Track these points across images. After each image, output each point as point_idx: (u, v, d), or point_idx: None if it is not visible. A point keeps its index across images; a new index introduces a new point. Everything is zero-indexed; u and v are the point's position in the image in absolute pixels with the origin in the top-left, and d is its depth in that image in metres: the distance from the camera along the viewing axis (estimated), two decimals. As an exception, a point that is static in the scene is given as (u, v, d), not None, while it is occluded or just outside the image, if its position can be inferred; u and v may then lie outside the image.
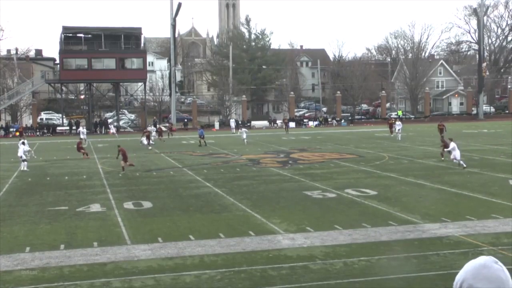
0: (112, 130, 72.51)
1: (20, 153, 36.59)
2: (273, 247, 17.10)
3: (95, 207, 23.79)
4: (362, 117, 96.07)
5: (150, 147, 49.96)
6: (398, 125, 55.32)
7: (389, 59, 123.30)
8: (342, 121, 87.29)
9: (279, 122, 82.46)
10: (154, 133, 57.12)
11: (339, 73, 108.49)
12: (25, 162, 36.29)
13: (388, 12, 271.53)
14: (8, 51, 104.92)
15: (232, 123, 74.99)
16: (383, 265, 15.27)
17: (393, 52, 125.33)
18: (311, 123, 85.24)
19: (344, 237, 17.95)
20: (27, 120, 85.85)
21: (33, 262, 15.91)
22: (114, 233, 19.17)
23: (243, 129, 57.06)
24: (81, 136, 55.14)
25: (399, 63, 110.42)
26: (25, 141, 39.90)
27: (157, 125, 67.51)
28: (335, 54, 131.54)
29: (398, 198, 24.57)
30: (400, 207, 22.50)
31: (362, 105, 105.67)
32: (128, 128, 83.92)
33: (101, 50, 78.04)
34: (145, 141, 51.39)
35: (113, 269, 15.15)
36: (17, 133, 64.37)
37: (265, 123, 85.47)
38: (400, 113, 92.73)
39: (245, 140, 53.05)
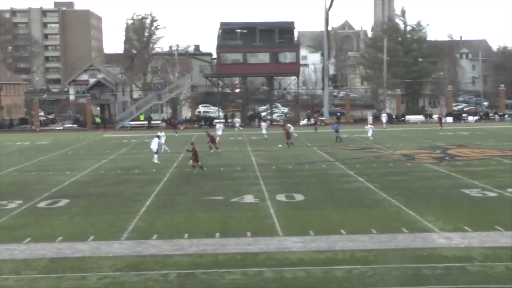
0: (237, 124, 70.74)
1: (154, 146, 37.89)
2: (427, 245, 16.52)
3: (249, 198, 24.41)
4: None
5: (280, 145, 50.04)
6: None
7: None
8: (506, 116, 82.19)
9: (435, 116, 79.51)
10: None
11: (503, 65, 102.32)
12: (157, 155, 37.46)
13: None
14: (170, 47, 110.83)
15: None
16: (550, 271, 14.18)
17: None
18: (470, 118, 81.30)
19: (506, 239, 16.91)
20: (186, 113, 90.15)
21: (191, 248, 16.66)
22: (266, 224, 19.55)
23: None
24: (218, 133, 51.43)
25: None
26: (162, 134, 42.23)
27: (311, 118, 67.93)
28: (498, 44, 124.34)
29: None
30: None
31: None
32: (281, 121, 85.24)
33: (256, 44, 79.87)
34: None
35: (265, 259, 15.45)
36: (183, 127, 67.99)
37: (420, 117, 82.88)
38: None
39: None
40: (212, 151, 42.06)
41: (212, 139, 42.89)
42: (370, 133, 50.86)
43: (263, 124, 59.77)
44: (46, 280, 14.08)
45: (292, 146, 45.63)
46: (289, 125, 59.99)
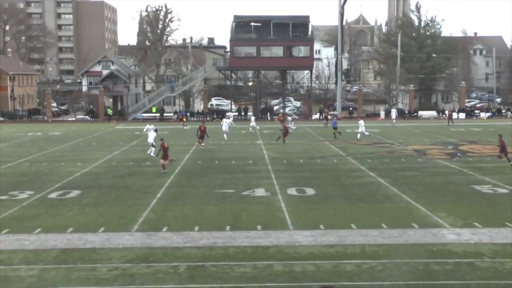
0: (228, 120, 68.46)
1: (150, 139, 37.41)
2: (438, 241, 16.47)
3: (260, 192, 24.42)
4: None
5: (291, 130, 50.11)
6: None
7: None
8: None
9: (448, 112, 79.03)
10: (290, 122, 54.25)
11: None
12: (154, 148, 36.76)
13: None
14: (184, 39, 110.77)
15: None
16: (561, 269, 14.08)
17: None
18: (482, 115, 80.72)
19: (517, 236, 16.81)
20: (198, 106, 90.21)
21: (201, 240, 16.70)
22: (277, 218, 19.56)
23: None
24: (223, 128, 48.66)
25: None
26: (151, 127, 39.83)
27: (323, 113, 67.77)
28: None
29: None
30: None
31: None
32: (294, 115, 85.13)
33: (270, 38, 79.65)
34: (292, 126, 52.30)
35: (275, 253, 15.46)
36: (184, 119, 66.84)
37: (433, 113, 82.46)
38: None
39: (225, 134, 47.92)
40: (202, 145, 41.14)
41: (202, 133, 41.54)
42: (361, 129, 48.36)
43: (289, 118, 59.36)
44: (57, 271, 14.17)
45: (282, 143, 43.53)
46: (289, 118, 59.49)
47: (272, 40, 79.65)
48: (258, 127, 56.00)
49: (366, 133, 48.59)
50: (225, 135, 47.39)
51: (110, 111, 80.00)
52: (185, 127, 58.95)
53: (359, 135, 47.70)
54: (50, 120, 79.92)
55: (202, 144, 41.64)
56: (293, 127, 53.32)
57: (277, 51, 79.74)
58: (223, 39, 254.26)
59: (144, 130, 42.01)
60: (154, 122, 70.68)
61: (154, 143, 36.98)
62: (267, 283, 13.18)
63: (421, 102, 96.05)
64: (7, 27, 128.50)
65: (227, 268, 14.26)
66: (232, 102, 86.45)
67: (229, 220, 19.16)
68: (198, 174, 29.40)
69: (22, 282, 13.40)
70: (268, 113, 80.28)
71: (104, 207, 21.62)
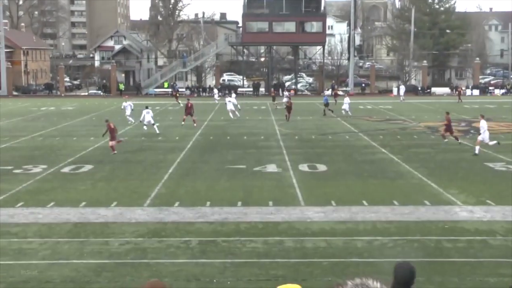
0: (216, 95, 66.03)
1: (147, 118, 36.52)
2: (450, 218, 16.44)
3: (271, 168, 24.44)
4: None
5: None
6: None
7: None
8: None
9: (463, 89, 78.34)
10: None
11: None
12: (155, 125, 36.39)
13: None
14: (196, 14, 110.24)
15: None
16: None
17: None
18: (497, 91, 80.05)
19: (529, 214, 16.74)
20: (210, 81, 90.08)
21: (212, 216, 16.77)
22: (288, 194, 19.58)
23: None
24: (228, 108, 45.89)
25: None
26: (128, 104, 42.06)
27: (335, 88, 67.52)
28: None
29: None
30: None
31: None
32: (306, 91, 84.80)
33: (282, 13, 79.08)
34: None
35: (286, 229, 15.51)
36: (177, 95, 64.52)
37: (446, 90, 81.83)
38: None
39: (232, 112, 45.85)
40: (183, 123, 39.58)
41: (188, 110, 39.63)
42: (345, 106, 47.44)
43: (286, 93, 58.77)
44: (70, 244, 14.31)
45: (286, 121, 42.44)
46: (286, 93, 58.18)
47: (285, 15, 79.09)
48: (239, 106, 49.89)
49: (350, 114, 46.92)
50: (231, 114, 45.28)
51: (122, 86, 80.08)
52: (180, 104, 55.59)
53: (343, 111, 46.97)
54: (63, 94, 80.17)
55: (194, 121, 39.62)
56: (283, 101, 51.17)
57: (289, 26, 79.19)
58: (235, 14, 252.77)
59: (122, 107, 42.49)
60: (166, 98, 70.77)
61: (152, 121, 36.49)
62: (278, 259, 13.23)
63: (435, 79, 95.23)
64: (21, 2, 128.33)
65: (239, 243, 14.33)
66: (244, 78, 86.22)
67: (240, 196, 19.22)
68: (209, 150, 29.45)
69: (37, 255, 13.55)
70: (280, 89, 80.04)
71: (116, 181, 21.74)
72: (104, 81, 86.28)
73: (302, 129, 37.96)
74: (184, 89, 79.43)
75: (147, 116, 36.57)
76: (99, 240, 14.57)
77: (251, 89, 79.93)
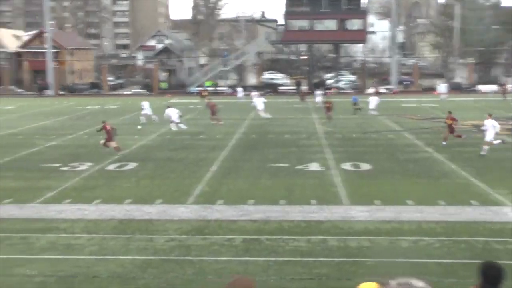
0: (240, 93, 65.86)
1: (173, 116, 36.89)
2: (498, 219, 16.07)
3: (314, 166, 24.31)
4: None
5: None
6: None
7: None
8: None
9: (510, 86, 76.58)
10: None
11: None
12: (178, 123, 36.70)
13: None
14: (236, 13, 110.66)
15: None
16: None
17: None
18: (545, 88, 78.01)
19: None
20: (251, 79, 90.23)
21: (255, 214, 16.77)
22: (331, 193, 19.45)
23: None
24: (259, 107, 44.73)
25: None
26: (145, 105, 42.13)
27: (375, 88, 66.84)
28: None
29: None
30: None
31: None
32: (348, 89, 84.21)
33: (323, 11, 78.71)
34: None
35: (329, 228, 15.40)
36: (205, 94, 64.84)
37: (493, 87, 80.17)
38: None
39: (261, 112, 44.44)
40: (213, 122, 39.84)
41: (213, 111, 40.21)
42: (371, 105, 46.24)
43: (318, 92, 57.77)
44: (116, 240, 14.50)
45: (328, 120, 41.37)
46: (318, 92, 57.59)
47: (325, 13, 78.67)
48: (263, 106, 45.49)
49: (373, 112, 45.84)
50: (262, 113, 44.02)
51: (164, 85, 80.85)
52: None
53: (372, 112, 45.84)
54: (107, 94, 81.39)
55: (220, 122, 39.73)
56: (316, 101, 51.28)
57: (330, 24, 78.77)
58: (274, 12, 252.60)
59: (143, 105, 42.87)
60: (219, 96, 71.09)
61: (173, 119, 36.80)
62: (322, 258, 13.14)
63: (480, 76, 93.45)
64: (66, 3, 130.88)
65: (282, 242, 14.29)
66: (286, 76, 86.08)
67: (282, 194, 19.17)
68: (251, 148, 29.48)
69: (84, 250, 13.77)
70: (315, 88, 79.67)
71: (159, 179, 21.95)
72: (148, 79, 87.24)
73: (344, 128, 37.69)
74: (225, 88, 79.75)
75: (173, 113, 36.91)
76: (144, 237, 14.73)
77: (293, 87, 79.77)
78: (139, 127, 38.95)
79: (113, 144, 28.01)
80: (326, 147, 29.69)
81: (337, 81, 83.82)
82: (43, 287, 11.57)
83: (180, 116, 37.37)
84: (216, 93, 75.99)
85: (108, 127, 28.21)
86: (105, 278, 12.02)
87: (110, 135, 28.10)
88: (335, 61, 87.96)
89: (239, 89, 68.45)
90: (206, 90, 69.59)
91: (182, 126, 36.73)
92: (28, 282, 11.80)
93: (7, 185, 21.05)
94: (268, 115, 43.96)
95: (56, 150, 29.26)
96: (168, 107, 38.37)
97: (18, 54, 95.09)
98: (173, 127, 36.65)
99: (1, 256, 13.30)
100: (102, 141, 28.42)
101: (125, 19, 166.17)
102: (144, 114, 41.87)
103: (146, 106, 42.59)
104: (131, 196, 18.99)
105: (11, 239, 14.63)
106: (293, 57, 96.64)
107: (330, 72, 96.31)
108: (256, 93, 55.53)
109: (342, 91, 79.63)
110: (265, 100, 46.53)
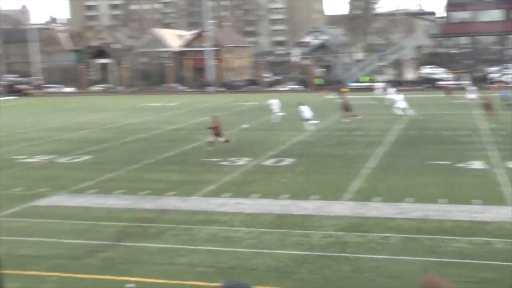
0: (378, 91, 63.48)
1: (307, 113, 36.25)
2: None
3: (476, 164, 23.18)
4: None
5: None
6: None
7: None
8: None
9: None
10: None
11: None
12: (310, 122, 35.92)
13: None
14: (394, 7, 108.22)
15: None
16: None
17: None
18: None
19: None
20: (409, 74, 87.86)
21: (414, 212, 16.31)
22: (495, 192, 18.43)
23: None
24: (399, 105, 42.65)
25: None
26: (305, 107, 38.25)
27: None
28: None
29: None
30: None
31: None
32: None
33: (487, 1, 74.73)
34: None
35: (494, 229, 14.59)
36: (344, 89, 63.40)
37: None
38: None
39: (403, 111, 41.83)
40: (345, 120, 38.83)
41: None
42: (398, 104, 42.39)
43: (470, 88, 54.01)
44: (272, 235, 14.79)
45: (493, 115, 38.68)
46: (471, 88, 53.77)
47: (490, 3, 74.61)
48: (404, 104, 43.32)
49: (399, 112, 42.16)
50: (399, 111, 41.96)
51: (320, 81, 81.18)
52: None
53: (406, 111, 42.12)
54: (264, 90, 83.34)
55: (358, 117, 38.83)
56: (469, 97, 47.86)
57: (495, 14, 74.56)
58: (431, 5, 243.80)
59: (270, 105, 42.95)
60: (362, 92, 70.28)
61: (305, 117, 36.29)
62: (486, 261, 12.48)
63: None
64: (225, 3, 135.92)
65: (441, 242, 13.77)
66: (447, 71, 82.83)
67: (442, 193, 18.47)
68: (410, 144, 28.74)
69: (242, 243, 14.21)
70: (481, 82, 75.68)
71: (315, 175, 22.06)
72: (304, 76, 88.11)
73: (509, 124, 35.49)
74: (383, 83, 78.42)
75: (306, 111, 36.39)
76: (300, 232, 14.88)
77: (455, 82, 76.48)
78: (244, 125, 39.01)
79: (222, 139, 28.95)
80: (489, 144, 28.17)
81: (502, 75, 79.10)
82: (203, 277, 12.07)
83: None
84: (370, 89, 74.44)
85: (217, 122, 29.29)
86: (262, 271, 12.29)
87: (218, 129, 29.05)
88: (500, 53, 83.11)
89: (381, 85, 66.55)
90: (346, 87, 68.84)
91: (314, 122, 36.31)
92: (190, 272, 12.36)
93: (171, 178, 22.28)
94: (411, 112, 42.26)
95: (216, 145, 30.42)
96: (301, 104, 37.88)
97: (180, 53, 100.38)
98: (308, 127, 35.61)
99: (166, 246, 14.10)
100: (211, 139, 28.97)
101: (281, 16, 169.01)
102: (275, 113, 41.91)
103: (275, 105, 42.59)
104: (287, 191, 19.27)
105: (175, 230, 15.44)
106: (453, 51, 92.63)
107: (494, 66, 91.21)
108: (393, 89, 53.84)
109: (507, 85, 75.00)
110: (403, 96, 44.63)
